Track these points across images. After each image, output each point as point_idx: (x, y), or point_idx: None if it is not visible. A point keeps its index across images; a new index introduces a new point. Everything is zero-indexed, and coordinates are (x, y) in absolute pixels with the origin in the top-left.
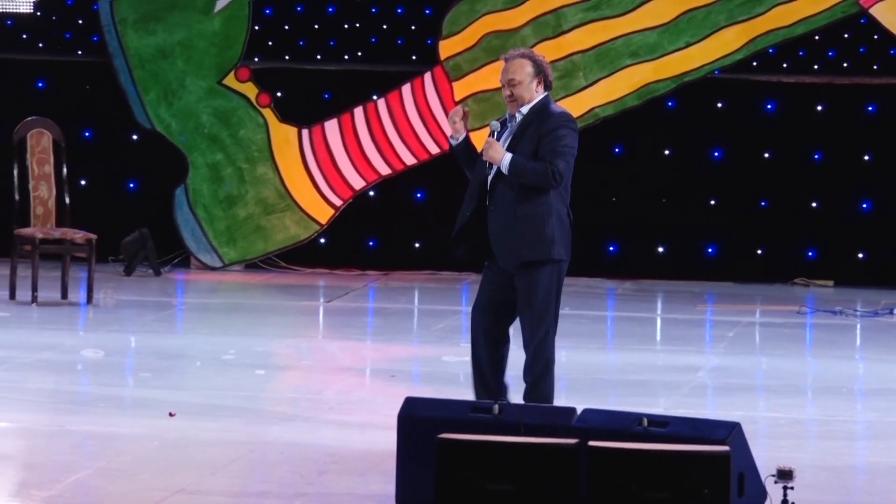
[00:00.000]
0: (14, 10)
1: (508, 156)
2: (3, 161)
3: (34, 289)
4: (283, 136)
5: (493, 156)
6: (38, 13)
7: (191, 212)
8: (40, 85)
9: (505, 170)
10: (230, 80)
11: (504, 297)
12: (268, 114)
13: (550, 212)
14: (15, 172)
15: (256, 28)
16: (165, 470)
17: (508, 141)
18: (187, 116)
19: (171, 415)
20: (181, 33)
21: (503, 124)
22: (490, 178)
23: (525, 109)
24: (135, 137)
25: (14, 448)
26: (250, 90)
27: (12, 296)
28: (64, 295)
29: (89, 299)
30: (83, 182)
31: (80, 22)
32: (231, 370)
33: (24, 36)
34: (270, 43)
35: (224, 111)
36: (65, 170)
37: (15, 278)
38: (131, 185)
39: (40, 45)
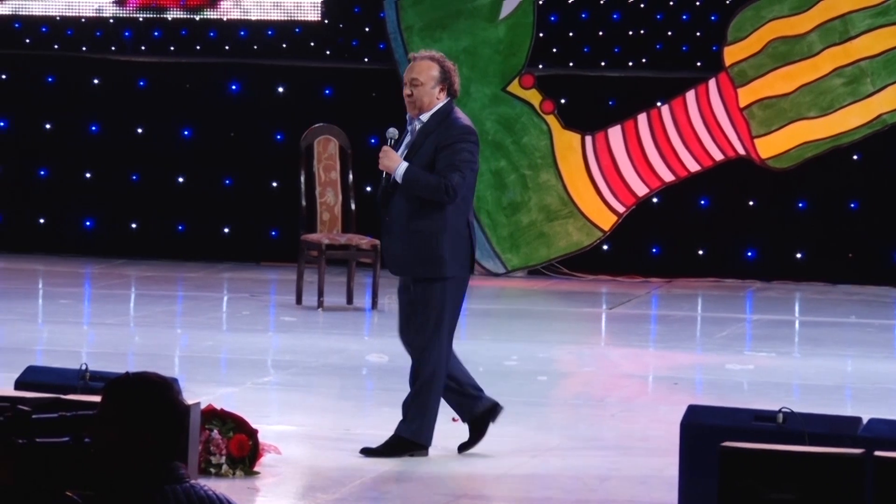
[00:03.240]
0: (302, 18)
1: (404, 165)
2: (290, 167)
3: (320, 294)
4: (567, 143)
5: (388, 164)
6: (326, 21)
7: (474, 218)
8: (327, 92)
9: (399, 179)
10: (514, 87)
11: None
12: (551, 120)
13: (445, 227)
14: (302, 179)
15: (541, 35)
16: (448, 475)
17: (408, 149)
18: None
19: (454, 420)
20: (466, 40)
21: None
22: (386, 187)
23: (425, 117)
24: None
25: (300, 451)
26: (534, 97)
27: (299, 301)
28: (349, 300)
29: (374, 304)
30: (369, 188)
31: (367, 29)
32: (513, 376)
33: (312, 43)
34: (555, 50)
35: (508, 118)
36: (351, 176)
37: (301, 283)
38: None
39: (327, 52)
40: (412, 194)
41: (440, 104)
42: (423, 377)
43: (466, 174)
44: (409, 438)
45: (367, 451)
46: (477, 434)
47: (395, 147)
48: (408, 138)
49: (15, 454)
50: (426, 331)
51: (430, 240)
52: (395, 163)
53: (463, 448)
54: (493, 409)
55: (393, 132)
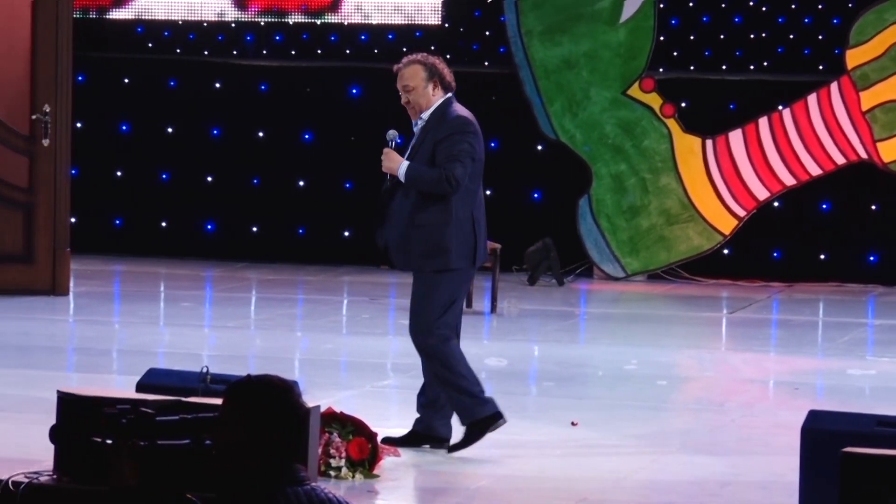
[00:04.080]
0: (423, 22)
1: (405, 164)
2: None
3: None
4: (688, 147)
5: (391, 166)
6: (446, 25)
7: (594, 222)
8: None
9: (402, 179)
10: (634, 91)
11: None
12: (672, 124)
13: (449, 219)
14: None
15: (662, 38)
16: (568, 479)
17: (411, 149)
18: (591, 127)
19: (573, 424)
20: (586, 44)
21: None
22: (389, 187)
23: (426, 115)
24: (539, 148)
25: (419, 454)
26: (654, 100)
27: None
28: (468, 304)
29: (493, 308)
30: (488, 192)
31: (487, 33)
32: (633, 380)
33: (432, 47)
34: (676, 53)
35: (628, 121)
36: None
37: None
38: (535, 195)
39: (447, 56)
40: (413, 191)
41: (438, 101)
42: (435, 371)
43: (467, 164)
44: (476, 418)
45: (452, 448)
46: (411, 442)
47: (401, 149)
48: (413, 140)
49: (138, 456)
50: (425, 321)
51: (434, 232)
52: (397, 163)
53: (388, 440)
54: (440, 439)
55: (393, 134)
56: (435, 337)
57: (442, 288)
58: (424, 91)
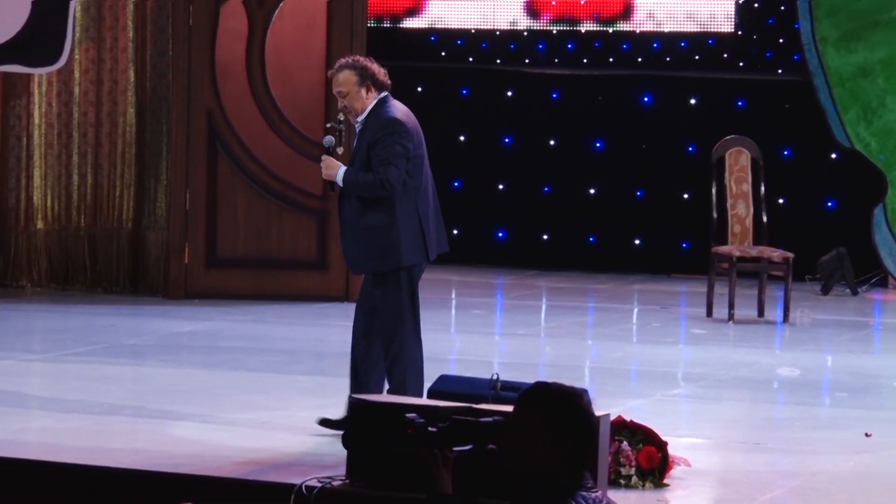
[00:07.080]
0: (716, 30)
1: (342, 170)
2: (701, 179)
3: (731, 306)
4: None
5: (329, 173)
6: (740, 32)
7: (889, 231)
8: (740, 104)
9: (340, 184)
10: None
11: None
12: None
13: (394, 219)
14: (713, 190)
15: None
16: (860, 490)
17: (352, 152)
18: (887, 135)
19: (867, 435)
20: (882, 51)
21: (339, 134)
22: (337, 192)
23: (361, 119)
24: (834, 156)
25: (711, 463)
26: None
27: (709, 313)
28: (760, 313)
29: (785, 318)
30: (781, 201)
31: (781, 41)
32: None
33: (725, 55)
34: None
35: None
36: (762, 188)
37: (712, 295)
38: (829, 204)
39: (741, 63)
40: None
41: (372, 102)
42: (396, 378)
43: (401, 165)
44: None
45: (325, 422)
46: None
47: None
48: (354, 143)
49: (450, 464)
50: (388, 323)
51: (381, 233)
52: (335, 169)
53: (325, 422)
54: None
55: (329, 139)
56: (402, 346)
57: (401, 286)
58: (358, 95)
